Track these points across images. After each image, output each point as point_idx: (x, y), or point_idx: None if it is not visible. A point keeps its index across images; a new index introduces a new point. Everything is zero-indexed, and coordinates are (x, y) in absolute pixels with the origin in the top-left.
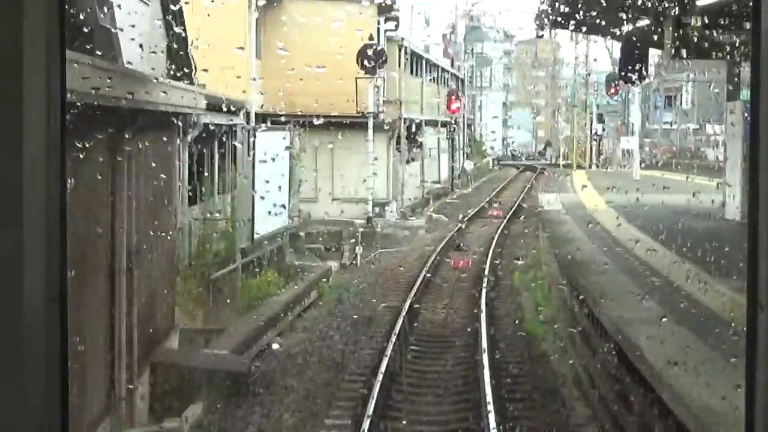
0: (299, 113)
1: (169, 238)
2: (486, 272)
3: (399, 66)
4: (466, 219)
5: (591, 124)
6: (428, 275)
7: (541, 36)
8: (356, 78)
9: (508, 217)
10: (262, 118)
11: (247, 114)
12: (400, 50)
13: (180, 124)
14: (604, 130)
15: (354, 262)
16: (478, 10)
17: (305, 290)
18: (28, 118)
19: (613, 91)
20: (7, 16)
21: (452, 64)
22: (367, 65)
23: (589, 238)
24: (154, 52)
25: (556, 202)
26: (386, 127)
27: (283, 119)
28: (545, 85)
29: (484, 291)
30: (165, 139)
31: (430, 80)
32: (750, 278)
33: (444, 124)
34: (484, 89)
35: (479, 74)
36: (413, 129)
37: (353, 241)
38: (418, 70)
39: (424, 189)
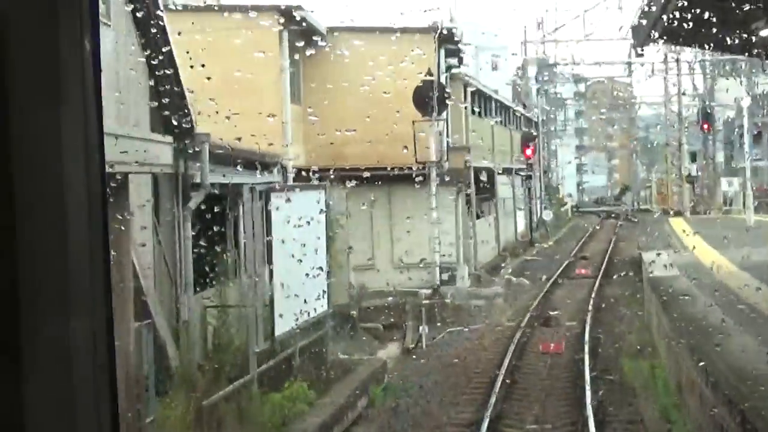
0: (347, 166)
1: (124, 352)
2: (585, 360)
3: (465, 107)
4: (550, 282)
5: (683, 164)
6: (511, 366)
7: (641, 54)
8: (414, 122)
9: (599, 277)
10: (303, 173)
11: (284, 170)
12: (465, 89)
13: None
14: (697, 171)
15: (419, 343)
16: (548, 51)
17: (349, 401)
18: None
19: (706, 127)
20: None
21: (524, 108)
22: (426, 106)
23: (741, 329)
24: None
25: (668, 264)
26: (452, 178)
27: (329, 174)
28: (619, 126)
29: (587, 390)
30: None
31: (501, 123)
32: None
33: (518, 172)
34: (558, 132)
35: (553, 116)
36: (484, 178)
37: (417, 316)
38: (486, 112)
39: (500, 246)
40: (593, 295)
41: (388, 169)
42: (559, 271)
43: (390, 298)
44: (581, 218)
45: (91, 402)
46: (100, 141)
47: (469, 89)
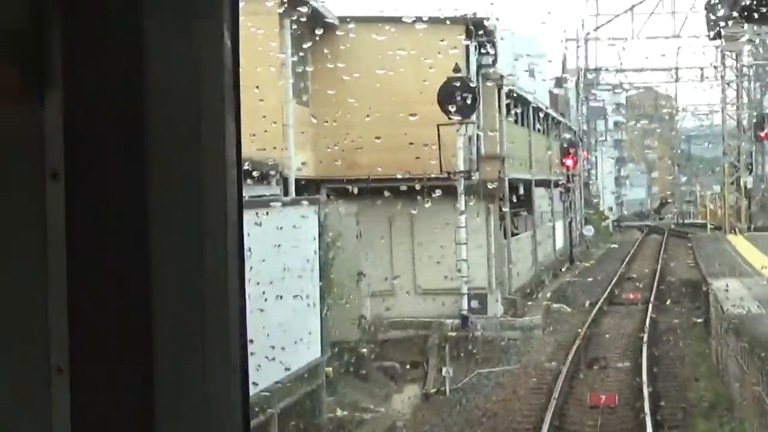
0: (362, 177)
1: None
2: (647, 420)
3: (499, 111)
4: (595, 310)
5: (742, 176)
6: (553, 426)
7: (716, 36)
8: (438, 126)
9: (650, 303)
10: (313, 186)
11: (284, 181)
12: (499, 91)
13: None
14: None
15: (442, 388)
16: (590, 56)
17: None
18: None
19: (763, 134)
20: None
21: (563, 117)
22: (453, 108)
23: None
24: None
25: (747, 296)
26: (484, 191)
27: (338, 185)
28: (660, 138)
29: None
30: None
31: (539, 130)
32: None
33: (557, 184)
34: (597, 143)
35: (594, 126)
36: (520, 191)
37: (441, 353)
38: (523, 118)
39: (537, 266)
40: (646, 327)
41: (408, 179)
42: (605, 295)
43: (411, 331)
44: (623, 233)
45: (226, 408)
46: (238, 141)
47: (504, 91)
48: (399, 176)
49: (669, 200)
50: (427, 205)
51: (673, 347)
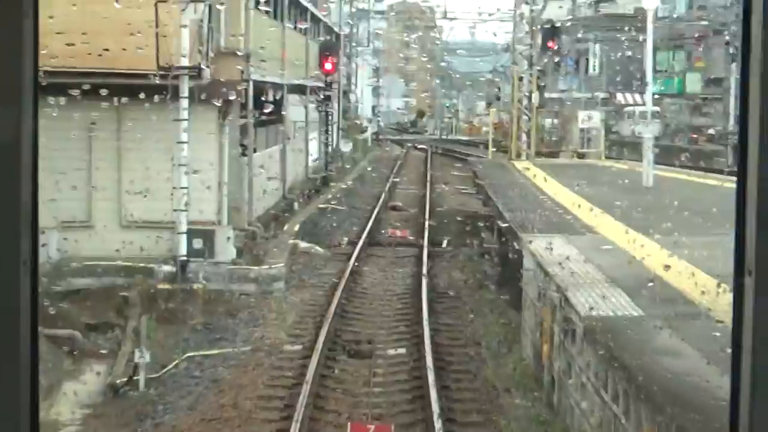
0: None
1: None
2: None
3: None
4: (356, 251)
5: (532, 91)
6: None
7: None
8: (156, 4)
9: (425, 244)
10: None
11: None
12: None
13: None
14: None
15: (136, 377)
16: None
17: None
18: None
19: (551, 44)
20: None
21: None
22: None
23: None
24: None
25: (600, 278)
26: (218, 95)
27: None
28: (421, 49)
29: None
30: None
31: (295, 29)
32: (737, 244)
33: (314, 91)
34: (357, 50)
35: (356, 31)
36: (269, 97)
37: (143, 318)
38: (276, 10)
39: (285, 187)
40: (424, 283)
41: (112, 74)
42: (366, 230)
43: (108, 279)
44: (382, 148)
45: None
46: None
47: None
48: (99, 71)
49: (425, 113)
50: (139, 111)
51: (465, 324)
